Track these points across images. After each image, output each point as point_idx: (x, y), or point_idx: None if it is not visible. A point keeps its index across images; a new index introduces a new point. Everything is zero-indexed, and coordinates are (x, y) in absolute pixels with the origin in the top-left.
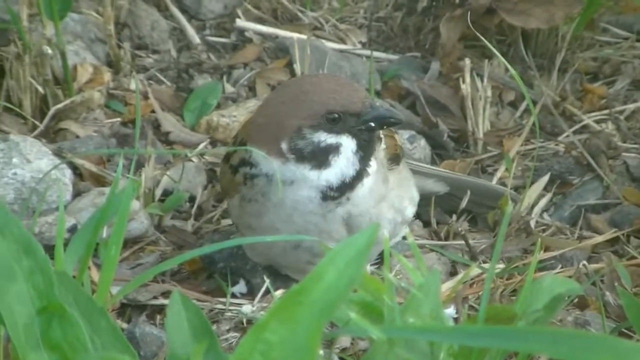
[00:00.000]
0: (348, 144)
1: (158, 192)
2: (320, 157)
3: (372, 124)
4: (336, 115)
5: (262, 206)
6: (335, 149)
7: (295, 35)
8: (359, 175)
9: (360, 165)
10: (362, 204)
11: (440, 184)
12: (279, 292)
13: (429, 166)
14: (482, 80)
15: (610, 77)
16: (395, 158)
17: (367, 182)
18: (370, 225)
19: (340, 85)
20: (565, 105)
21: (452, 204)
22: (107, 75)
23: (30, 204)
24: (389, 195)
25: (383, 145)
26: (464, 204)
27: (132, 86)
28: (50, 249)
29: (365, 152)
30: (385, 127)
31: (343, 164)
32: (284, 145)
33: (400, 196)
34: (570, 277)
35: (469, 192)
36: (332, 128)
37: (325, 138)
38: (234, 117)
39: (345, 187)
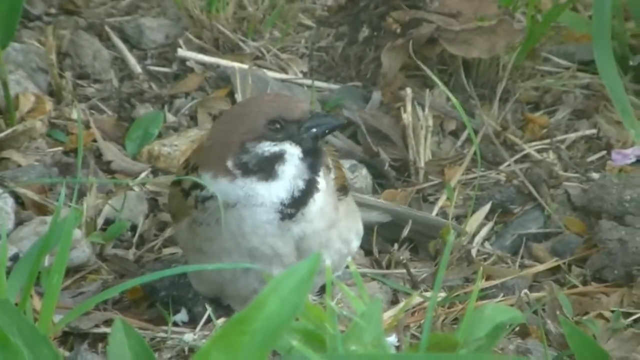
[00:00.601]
0: (292, 151)
1: (100, 221)
2: (266, 167)
3: (315, 130)
4: (277, 125)
5: (213, 230)
6: (279, 156)
7: (236, 64)
8: (309, 188)
9: (308, 175)
10: (315, 222)
11: (382, 214)
12: (220, 321)
13: (373, 198)
14: (423, 110)
15: (552, 107)
16: (343, 189)
17: (318, 198)
18: (313, 254)
19: (279, 97)
20: (507, 134)
21: (394, 233)
22: (49, 105)
23: None
24: (338, 225)
25: (332, 175)
26: (405, 233)
27: (74, 115)
28: None
29: (311, 160)
30: (328, 132)
31: (290, 173)
32: (229, 163)
33: (348, 227)
34: (512, 305)
35: (410, 222)
36: (274, 137)
37: (268, 147)
38: (176, 146)
39: (298, 202)
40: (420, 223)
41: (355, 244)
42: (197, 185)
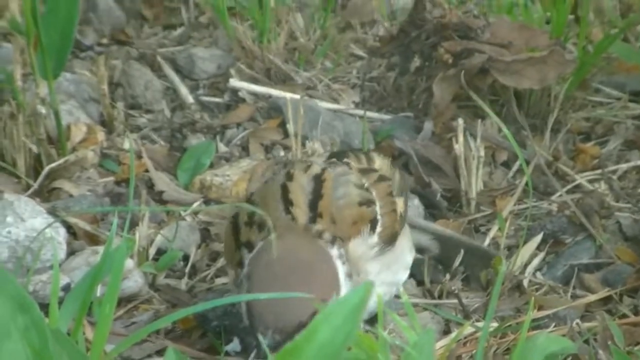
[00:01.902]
0: None
1: (152, 251)
2: None
3: None
4: None
5: None
6: None
7: (288, 94)
8: None
9: None
10: None
11: (433, 243)
12: (273, 351)
13: (425, 222)
14: (475, 140)
15: (603, 137)
16: (391, 237)
17: None
18: (364, 283)
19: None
20: (558, 165)
21: (445, 262)
22: (101, 135)
23: (25, 262)
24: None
25: (379, 229)
26: (457, 262)
27: (126, 145)
28: (44, 307)
29: None
30: None
31: None
32: None
33: (393, 271)
34: (563, 335)
35: (462, 252)
36: None
37: None
38: (227, 176)
39: None
40: (470, 250)
41: (403, 276)
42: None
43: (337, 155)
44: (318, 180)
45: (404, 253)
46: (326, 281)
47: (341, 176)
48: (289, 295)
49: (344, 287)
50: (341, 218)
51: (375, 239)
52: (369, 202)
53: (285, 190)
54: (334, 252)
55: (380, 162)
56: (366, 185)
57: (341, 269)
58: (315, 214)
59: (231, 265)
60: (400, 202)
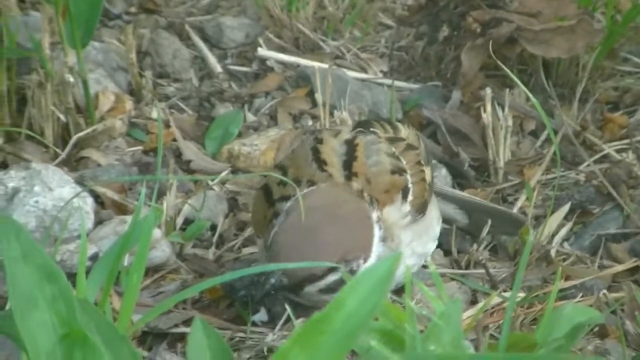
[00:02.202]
0: None
1: (179, 221)
2: None
3: None
4: None
5: None
6: None
7: (316, 64)
8: None
9: None
10: None
11: (460, 213)
12: (300, 321)
13: (452, 190)
14: (503, 110)
15: (631, 107)
16: (422, 207)
17: None
18: (392, 254)
19: None
20: (586, 134)
21: (472, 234)
22: (129, 104)
23: (52, 232)
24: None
25: (410, 197)
26: (485, 232)
27: (154, 115)
28: (72, 277)
29: None
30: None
31: None
32: None
33: (423, 242)
34: (590, 306)
35: (489, 222)
36: None
37: None
38: (256, 145)
39: None
40: (496, 217)
41: (431, 246)
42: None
43: (363, 125)
44: (350, 144)
45: (433, 223)
46: (359, 242)
47: (372, 144)
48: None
49: (377, 251)
50: (376, 183)
51: (407, 207)
52: (401, 171)
53: (316, 151)
54: (374, 214)
55: (406, 132)
56: (396, 153)
57: (377, 233)
58: (350, 173)
59: (261, 232)
60: (428, 171)
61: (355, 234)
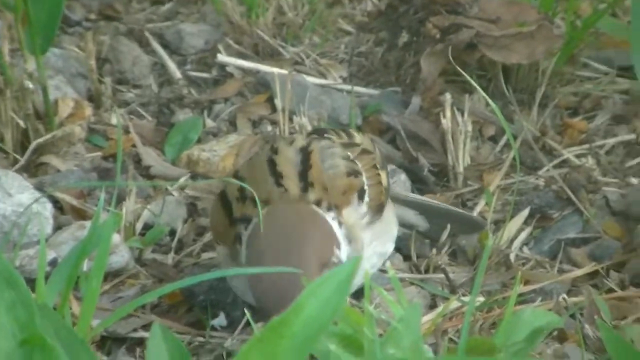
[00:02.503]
0: None
1: (139, 226)
2: None
3: None
4: None
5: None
6: None
7: (276, 70)
8: None
9: None
10: None
11: (420, 218)
12: (259, 325)
13: (411, 194)
14: (462, 115)
15: (591, 112)
16: (379, 208)
17: None
18: (351, 258)
19: None
20: (546, 139)
21: (431, 238)
22: (88, 110)
23: (11, 237)
24: (369, 247)
25: (367, 199)
26: (444, 237)
27: (113, 121)
28: (31, 282)
29: None
30: None
31: None
32: None
33: (382, 242)
34: (549, 310)
35: (449, 227)
36: None
37: None
38: (215, 151)
39: None
40: (456, 219)
41: (390, 247)
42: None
43: (317, 132)
44: (305, 151)
45: (391, 225)
46: (326, 241)
47: (327, 148)
48: (275, 270)
49: (345, 249)
50: (332, 187)
51: (364, 208)
52: (357, 173)
53: (272, 163)
54: (331, 215)
55: (360, 138)
56: (351, 157)
57: (339, 231)
58: (306, 183)
59: (224, 241)
60: (384, 175)
61: (319, 237)
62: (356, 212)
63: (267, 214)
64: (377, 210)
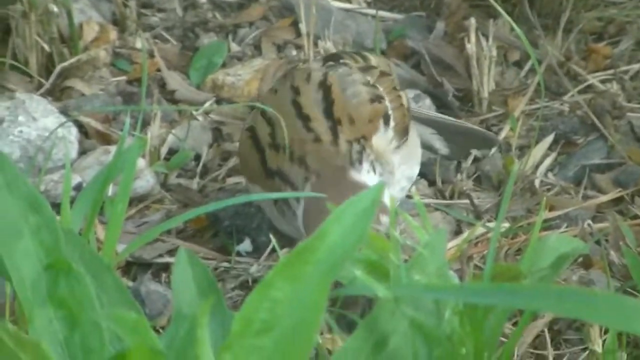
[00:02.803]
0: None
1: (163, 151)
2: None
3: None
4: None
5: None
6: None
7: None
8: None
9: None
10: None
11: (438, 139)
12: (284, 251)
13: (424, 111)
14: (487, 40)
15: (615, 37)
16: (404, 132)
17: None
18: (376, 184)
19: None
20: (570, 65)
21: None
22: (113, 34)
23: (37, 162)
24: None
25: (392, 123)
26: (468, 163)
27: (138, 45)
28: (56, 207)
29: None
30: None
31: None
32: None
33: (410, 166)
34: (575, 236)
35: (472, 154)
36: None
37: None
38: (240, 76)
39: None
40: (470, 135)
41: (417, 170)
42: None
43: (332, 58)
44: (324, 86)
45: (416, 147)
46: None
47: (346, 76)
48: None
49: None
50: (358, 117)
51: (391, 133)
52: (379, 98)
53: (297, 105)
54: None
55: (376, 60)
56: (372, 82)
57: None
58: (333, 121)
59: (259, 184)
60: (404, 96)
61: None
62: (384, 138)
63: (313, 190)
64: (403, 133)
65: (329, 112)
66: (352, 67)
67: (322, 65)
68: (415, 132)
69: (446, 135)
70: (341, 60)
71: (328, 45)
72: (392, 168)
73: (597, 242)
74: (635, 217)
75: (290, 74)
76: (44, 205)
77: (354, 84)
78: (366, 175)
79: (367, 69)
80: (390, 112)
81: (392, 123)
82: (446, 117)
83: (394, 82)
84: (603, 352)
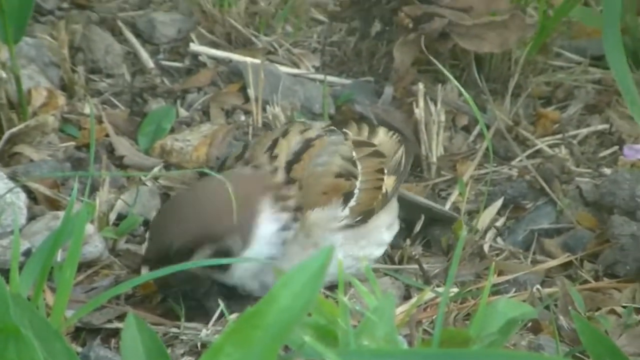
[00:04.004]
0: None
1: (112, 216)
2: None
3: None
4: None
5: None
6: None
7: (249, 59)
8: None
9: None
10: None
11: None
12: (234, 316)
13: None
14: (435, 105)
15: (564, 102)
16: (366, 213)
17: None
18: (324, 248)
19: None
20: (519, 129)
21: (405, 229)
22: (62, 100)
23: None
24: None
25: (352, 202)
26: (418, 227)
27: (87, 110)
28: (5, 273)
29: None
30: None
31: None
32: None
33: (359, 246)
34: (524, 301)
35: (423, 217)
36: None
37: None
38: (188, 141)
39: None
40: (432, 214)
41: (374, 251)
42: None
43: (341, 124)
44: (307, 143)
45: (379, 230)
46: (235, 224)
47: (333, 144)
48: None
49: (267, 239)
50: (313, 184)
51: (346, 211)
52: (349, 175)
53: (275, 143)
54: (267, 201)
55: (382, 138)
56: (354, 158)
57: (266, 218)
58: (288, 177)
59: None
60: (389, 181)
61: (231, 215)
62: (328, 213)
63: (223, 175)
64: (364, 215)
65: (289, 167)
66: (347, 139)
67: (324, 127)
68: (389, 215)
69: (407, 211)
70: (344, 129)
71: (276, 111)
72: (315, 242)
73: (546, 307)
74: (584, 281)
75: (291, 123)
76: None
77: (333, 154)
78: (269, 217)
79: (362, 143)
80: (355, 191)
81: (352, 202)
82: (410, 193)
83: (382, 164)
84: None
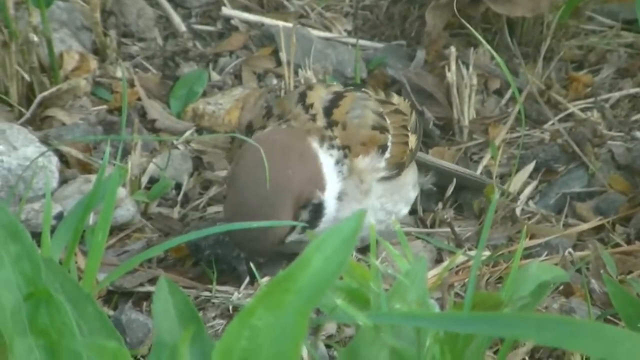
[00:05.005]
0: None
1: (144, 180)
2: None
3: None
4: None
5: None
6: None
7: (280, 23)
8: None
9: None
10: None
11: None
12: (265, 279)
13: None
14: (467, 69)
15: (596, 66)
16: (397, 166)
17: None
18: (356, 212)
19: None
20: (551, 93)
21: (438, 192)
22: (93, 63)
23: (17, 191)
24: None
25: (387, 155)
26: (449, 191)
27: (118, 74)
28: (36, 236)
29: None
30: None
31: None
32: None
33: (393, 201)
34: (555, 264)
35: (454, 181)
36: None
37: None
38: (220, 104)
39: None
40: (463, 179)
41: (404, 211)
42: None
43: (356, 87)
44: (338, 95)
45: (407, 187)
46: (307, 181)
47: (361, 99)
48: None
49: (334, 182)
50: (354, 134)
51: (382, 163)
52: (382, 129)
53: (303, 96)
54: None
55: (398, 100)
56: (383, 113)
57: (327, 162)
58: (330, 120)
59: None
60: (412, 138)
61: (302, 177)
62: (371, 162)
63: (261, 136)
64: (396, 167)
65: (329, 112)
66: (370, 96)
67: (344, 87)
68: (414, 174)
69: (439, 176)
70: (363, 89)
71: (308, 74)
72: (368, 191)
73: (578, 271)
74: (616, 245)
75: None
76: (24, 234)
77: (364, 107)
78: (324, 154)
79: (384, 102)
80: (389, 144)
81: (387, 154)
82: (443, 162)
83: (405, 122)
84: None
